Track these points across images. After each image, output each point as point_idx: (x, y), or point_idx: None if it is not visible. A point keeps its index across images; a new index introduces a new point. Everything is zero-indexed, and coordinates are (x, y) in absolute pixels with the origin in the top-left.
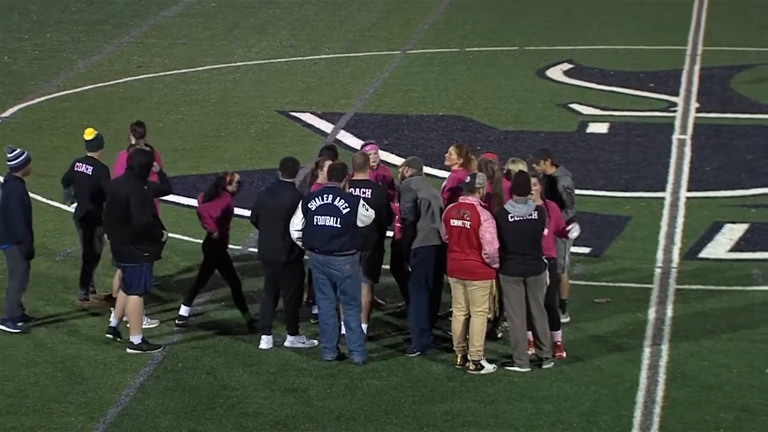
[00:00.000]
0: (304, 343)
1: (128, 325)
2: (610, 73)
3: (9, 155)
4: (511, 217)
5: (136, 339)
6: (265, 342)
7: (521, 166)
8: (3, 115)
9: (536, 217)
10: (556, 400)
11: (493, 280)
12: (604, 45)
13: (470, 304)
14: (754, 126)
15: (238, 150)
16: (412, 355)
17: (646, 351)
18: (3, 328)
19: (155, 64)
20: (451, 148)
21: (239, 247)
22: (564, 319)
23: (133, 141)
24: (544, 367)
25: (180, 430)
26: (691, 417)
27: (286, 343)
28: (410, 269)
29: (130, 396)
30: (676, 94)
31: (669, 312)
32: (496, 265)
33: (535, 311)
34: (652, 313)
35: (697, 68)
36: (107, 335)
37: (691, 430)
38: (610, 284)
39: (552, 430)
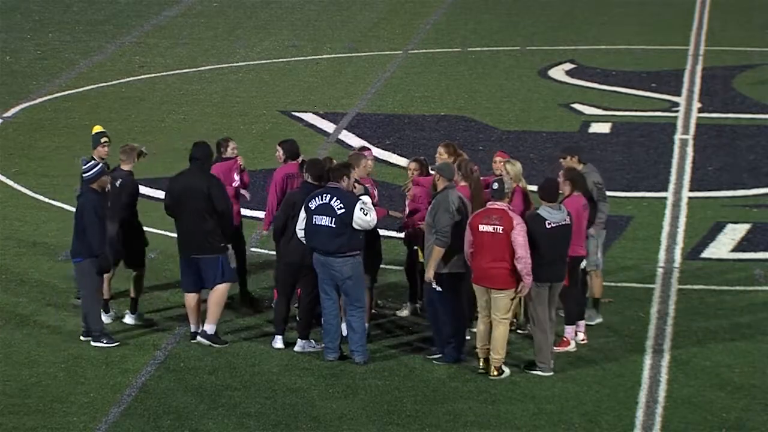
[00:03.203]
0: (314, 347)
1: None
2: (612, 73)
3: (83, 167)
4: (549, 224)
5: (210, 329)
6: (280, 342)
7: (518, 167)
8: (5, 114)
9: (570, 222)
10: (558, 400)
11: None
12: (606, 45)
13: (494, 311)
14: (757, 126)
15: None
16: (440, 363)
17: (648, 351)
18: (99, 344)
19: (157, 64)
20: (440, 147)
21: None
22: (598, 320)
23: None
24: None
25: (182, 430)
26: (693, 417)
27: (297, 348)
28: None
29: (132, 396)
30: (678, 94)
31: (671, 312)
32: (529, 276)
33: (551, 315)
34: (654, 313)
35: (699, 68)
36: (192, 341)
37: (694, 430)
38: (612, 284)
39: (554, 430)
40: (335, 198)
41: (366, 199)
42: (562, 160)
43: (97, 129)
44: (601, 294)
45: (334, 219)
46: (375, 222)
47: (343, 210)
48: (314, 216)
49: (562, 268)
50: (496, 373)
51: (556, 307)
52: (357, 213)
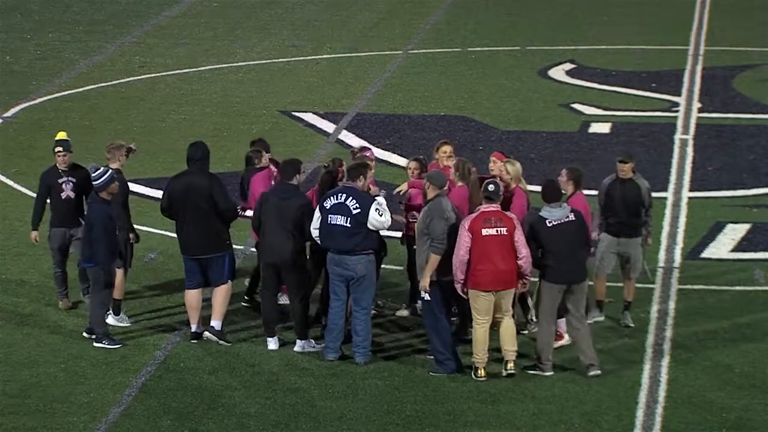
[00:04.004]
0: (314, 347)
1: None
2: (612, 73)
3: (93, 174)
4: (549, 222)
5: (217, 324)
6: (273, 343)
7: (517, 167)
8: (5, 114)
9: (574, 218)
10: (558, 400)
11: None
12: (606, 45)
13: (498, 309)
14: (756, 126)
15: (239, 150)
16: (437, 374)
17: (648, 351)
18: (101, 345)
19: (157, 64)
20: (448, 147)
21: (242, 247)
22: (631, 324)
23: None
24: (590, 374)
25: (182, 430)
26: (693, 417)
27: (296, 348)
28: (427, 298)
29: (132, 396)
30: (678, 94)
31: (671, 312)
32: (530, 273)
33: (576, 321)
34: (654, 313)
35: (699, 68)
36: (192, 341)
37: (693, 430)
38: (612, 284)
39: (554, 430)
40: (351, 198)
41: (381, 199)
42: (622, 164)
43: (58, 136)
44: (633, 298)
45: (349, 219)
46: (390, 223)
47: (358, 210)
48: (329, 215)
49: (577, 269)
50: (512, 366)
51: (581, 311)
52: (372, 213)
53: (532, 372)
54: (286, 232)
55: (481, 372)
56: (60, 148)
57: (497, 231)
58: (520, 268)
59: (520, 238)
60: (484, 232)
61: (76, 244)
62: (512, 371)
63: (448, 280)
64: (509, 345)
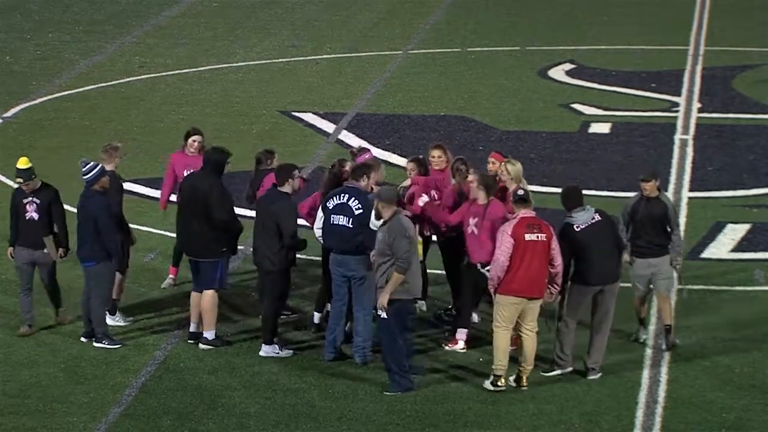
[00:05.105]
0: (278, 353)
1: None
2: (612, 73)
3: (83, 168)
4: (577, 227)
5: (210, 335)
6: (278, 349)
7: (518, 167)
8: (5, 115)
9: (600, 219)
10: (558, 400)
11: None
12: (605, 45)
13: (524, 321)
14: (756, 126)
15: (240, 150)
16: (393, 392)
17: (648, 351)
18: (101, 345)
19: (157, 64)
20: (436, 152)
21: (242, 247)
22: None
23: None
24: (590, 378)
25: (182, 430)
26: (693, 417)
27: (261, 353)
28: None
29: (132, 396)
30: (678, 94)
31: (671, 312)
32: (560, 281)
33: (602, 323)
34: (654, 313)
35: (699, 68)
36: (189, 341)
37: (693, 430)
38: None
39: (554, 430)
40: (353, 198)
41: None
42: (645, 183)
43: (19, 164)
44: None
45: (351, 219)
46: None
47: (361, 211)
48: (331, 215)
49: (609, 270)
50: (526, 381)
51: (610, 314)
52: (375, 214)
53: (553, 374)
54: (264, 236)
55: (503, 382)
56: (20, 180)
57: (537, 237)
58: (555, 276)
59: (556, 246)
60: (527, 237)
61: (41, 269)
62: (525, 386)
63: (405, 299)
64: (529, 363)
